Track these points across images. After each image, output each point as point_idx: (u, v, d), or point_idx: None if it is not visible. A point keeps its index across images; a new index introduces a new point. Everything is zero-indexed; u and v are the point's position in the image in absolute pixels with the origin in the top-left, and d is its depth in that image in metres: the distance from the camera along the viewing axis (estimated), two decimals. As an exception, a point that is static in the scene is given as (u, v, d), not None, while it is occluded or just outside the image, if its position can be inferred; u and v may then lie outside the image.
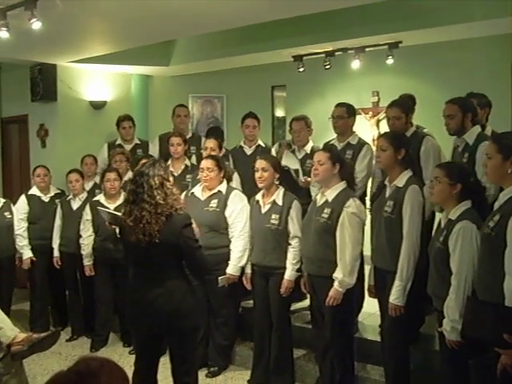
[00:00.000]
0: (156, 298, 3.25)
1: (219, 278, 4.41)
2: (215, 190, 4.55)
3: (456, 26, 5.71)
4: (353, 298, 3.89)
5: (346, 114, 4.73)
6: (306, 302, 4.67)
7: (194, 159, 5.77)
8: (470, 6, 5.49)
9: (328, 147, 4.41)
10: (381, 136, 3.98)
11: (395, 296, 3.59)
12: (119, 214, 3.45)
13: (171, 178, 3.37)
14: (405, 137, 4.04)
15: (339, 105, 4.83)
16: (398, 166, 3.73)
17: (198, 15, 4.97)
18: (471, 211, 3.14)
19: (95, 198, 5.41)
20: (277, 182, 4.28)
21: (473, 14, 5.54)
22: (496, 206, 2.80)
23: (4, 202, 5.67)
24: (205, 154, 5.00)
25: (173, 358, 3.44)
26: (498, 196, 2.84)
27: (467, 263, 2.98)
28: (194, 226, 3.42)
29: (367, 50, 6.47)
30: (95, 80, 7.31)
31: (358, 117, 6.55)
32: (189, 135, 5.92)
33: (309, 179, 4.71)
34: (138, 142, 6.35)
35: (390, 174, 3.78)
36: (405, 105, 4.47)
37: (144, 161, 4.18)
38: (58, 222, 5.66)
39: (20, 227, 5.66)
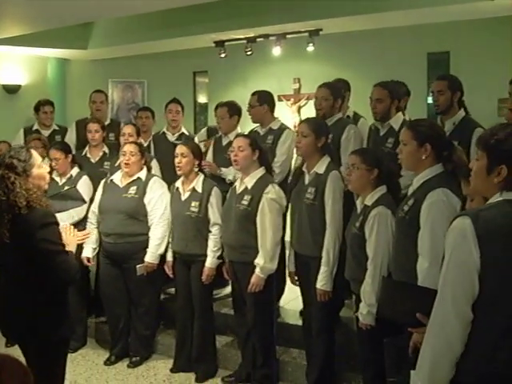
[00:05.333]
0: (16, 302, 2.82)
1: (137, 266, 4.35)
2: (134, 177, 4.47)
3: (374, 15, 5.84)
4: (273, 283, 3.91)
5: (256, 103, 4.69)
6: (229, 289, 4.68)
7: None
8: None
9: (248, 134, 4.41)
10: (302, 122, 3.97)
11: (323, 282, 3.62)
12: None
13: (34, 169, 2.84)
14: (326, 124, 4.03)
15: (253, 93, 4.80)
16: (317, 152, 3.75)
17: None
18: (386, 196, 3.23)
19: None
20: (196, 169, 4.24)
21: (389, 3, 5.67)
22: (410, 190, 2.88)
23: None
24: (123, 140, 4.87)
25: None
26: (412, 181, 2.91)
27: (383, 248, 3.07)
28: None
29: (288, 36, 6.52)
30: (8, 63, 7.02)
31: (279, 103, 6.68)
32: (107, 122, 5.76)
33: (214, 165, 4.71)
34: (57, 127, 6.12)
35: (309, 160, 3.79)
36: (335, 88, 4.43)
37: None
38: None
39: None
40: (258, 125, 4.84)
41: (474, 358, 1.82)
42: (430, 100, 6.53)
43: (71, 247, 2.96)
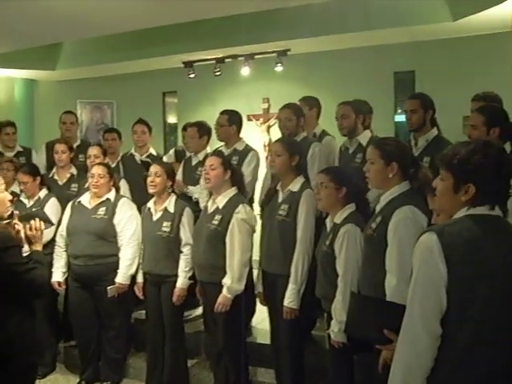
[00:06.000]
0: None
1: (108, 288, 4.29)
2: (103, 198, 4.43)
3: (341, 35, 5.95)
4: (241, 303, 3.87)
5: (226, 123, 4.69)
6: (200, 310, 4.65)
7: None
8: (352, 16, 5.74)
9: (218, 152, 4.42)
10: (276, 141, 4.01)
11: (290, 299, 3.62)
12: None
13: None
14: (298, 144, 4.09)
15: (222, 112, 4.78)
16: (292, 171, 3.78)
17: (84, 17, 4.84)
18: (355, 214, 3.25)
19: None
20: (169, 190, 4.24)
21: (356, 24, 5.78)
22: (377, 208, 2.90)
23: None
24: (89, 162, 4.85)
25: None
26: (380, 199, 2.94)
27: (352, 265, 3.08)
28: None
29: (256, 57, 6.59)
30: (-26, 84, 6.92)
31: (249, 123, 6.72)
32: (77, 143, 5.71)
33: (181, 183, 4.71)
34: (21, 149, 6.03)
35: (284, 179, 3.81)
36: (296, 107, 4.50)
37: None
38: None
39: None
40: (222, 144, 4.84)
41: (443, 372, 1.84)
42: (397, 118, 6.64)
43: (38, 245, 2.93)
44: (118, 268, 4.34)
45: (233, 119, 4.72)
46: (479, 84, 4.73)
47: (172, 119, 8.04)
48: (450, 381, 1.84)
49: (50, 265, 4.39)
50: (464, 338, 1.82)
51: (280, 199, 3.79)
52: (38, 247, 2.94)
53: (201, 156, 4.85)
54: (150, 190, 4.21)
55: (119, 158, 5.47)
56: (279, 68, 6.59)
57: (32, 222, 3.00)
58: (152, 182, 4.18)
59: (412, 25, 5.70)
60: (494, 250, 1.85)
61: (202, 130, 4.94)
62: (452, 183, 1.94)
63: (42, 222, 3.05)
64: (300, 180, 3.78)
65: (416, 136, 3.99)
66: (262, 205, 4.04)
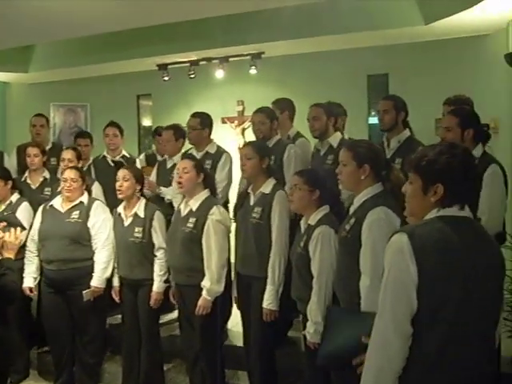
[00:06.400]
0: None
1: (83, 292, 4.24)
2: (77, 201, 4.37)
3: (315, 38, 5.99)
4: (217, 305, 3.86)
5: (199, 126, 4.67)
6: (172, 314, 4.63)
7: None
8: (325, 20, 5.77)
9: (191, 156, 4.41)
10: (245, 145, 4.06)
11: (269, 301, 3.63)
12: None
13: None
14: (267, 146, 4.14)
15: (193, 115, 4.76)
16: (263, 173, 3.81)
17: (57, 19, 4.78)
18: (329, 216, 3.27)
19: None
20: (138, 194, 4.22)
21: (330, 27, 5.82)
22: (351, 210, 2.92)
23: None
24: (62, 165, 4.79)
25: None
26: (353, 200, 2.96)
27: (327, 267, 3.10)
28: None
29: (231, 59, 6.59)
30: None
31: (223, 125, 6.73)
32: (48, 146, 5.63)
33: (153, 183, 4.71)
34: (-8, 152, 5.94)
35: (255, 182, 3.83)
36: (268, 111, 4.53)
37: None
38: None
39: None
40: (190, 147, 4.83)
41: (415, 372, 1.85)
42: (370, 120, 6.70)
43: (11, 253, 2.90)
44: (92, 272, 4.28)
45: (205, 122, 4.71)
46: (451, 87, 4.79)
47: (147, 122, 8.00)
48: (422, 381, 1.85)
49: (21, 270, 4.32)
50: (436, 340, 1.83)
51: (252, 202, 3.81)
52: (11, 255, 2.90)
53: (176, 159, 4.83)
54: (119, 195, 4.19)
55: (90, 161, 5.42)
56: (253, 71, 6.62)
57: (12, 230, 2.97)
58: (120, 186, 4.16)
59: (385, 28, 5.77)
60: (464, 252, 1.87)
61: (178, 132, 4.94)
62: (420, 185, 1.97)
63: (18, 230, 3.03)
64: (271, 182, 3.80)
65: (388, 137, 4.06)
66: (235, 209, 4.04)
